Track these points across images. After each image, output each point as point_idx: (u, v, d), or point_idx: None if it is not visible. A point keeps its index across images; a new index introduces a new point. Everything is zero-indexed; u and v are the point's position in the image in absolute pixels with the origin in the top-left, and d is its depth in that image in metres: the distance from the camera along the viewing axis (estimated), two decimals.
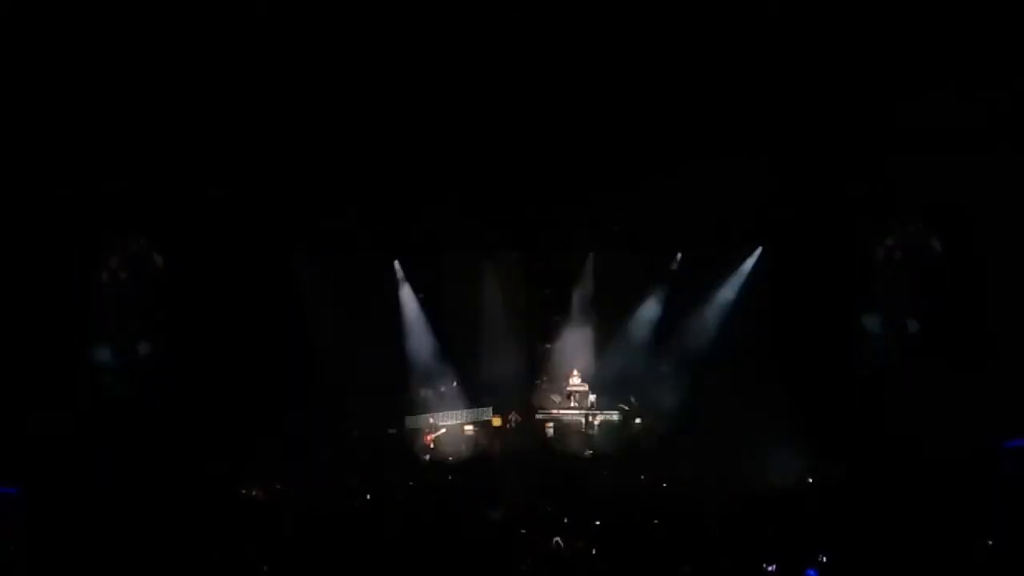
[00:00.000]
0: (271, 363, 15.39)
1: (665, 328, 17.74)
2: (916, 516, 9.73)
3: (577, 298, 18.82)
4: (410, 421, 17.57)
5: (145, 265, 14.30)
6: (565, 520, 10.18)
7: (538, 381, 18.29)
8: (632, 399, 17.72)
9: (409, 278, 18.59)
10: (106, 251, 13.82)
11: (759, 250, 16.90)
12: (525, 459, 14.48)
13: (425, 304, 18.69)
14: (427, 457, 16.35)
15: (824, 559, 8.79)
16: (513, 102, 13.62)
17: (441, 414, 17.56)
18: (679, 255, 17.52)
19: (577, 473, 13.82)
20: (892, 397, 14.32)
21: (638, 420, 17.50)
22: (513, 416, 17.16)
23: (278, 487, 12.28)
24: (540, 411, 17.83)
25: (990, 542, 9.02)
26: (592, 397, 17.89)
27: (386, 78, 13.28)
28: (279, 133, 13.81)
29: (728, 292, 17.13)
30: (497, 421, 17.39)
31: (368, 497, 11.49)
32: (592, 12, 12.23)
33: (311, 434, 15.79)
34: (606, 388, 18.00)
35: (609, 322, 18.54)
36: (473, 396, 18.21)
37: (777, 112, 13.49)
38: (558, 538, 9.53)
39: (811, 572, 8.77)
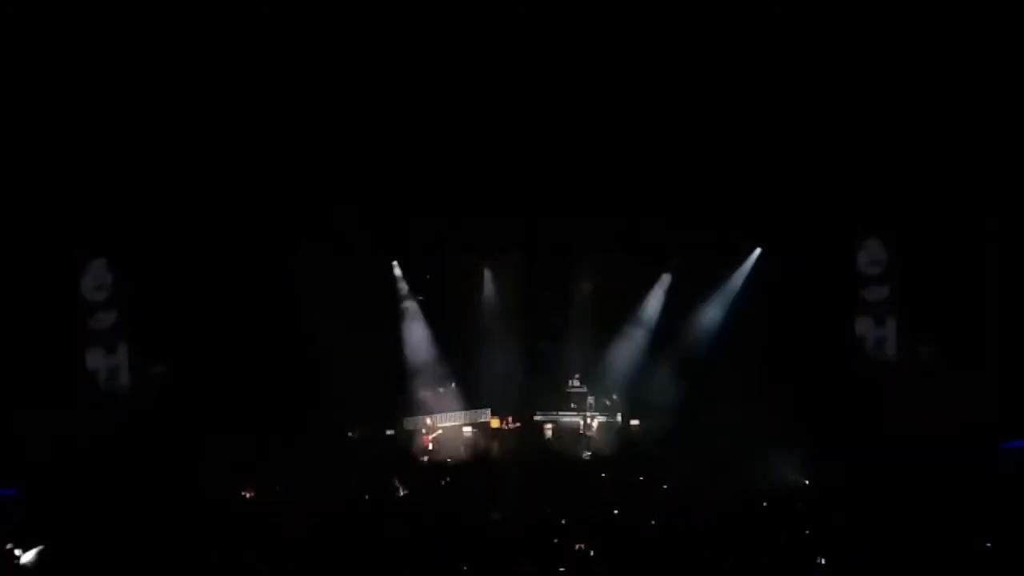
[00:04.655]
0: (270, 363, 15.37)
1: (665, 329, 17.76)
2: (916, 516, 9.72)
3: (577, 299, 18.81)
4: (408, 422, 17.63)
5: (142, 265, 14.27)
6: (564, 521, 10.15)
7: (537, 383, 18.27)
8: (614, 397, 17.72)
9: (409, 279, 18.60)
10: (104, 251, 13.80)
11: (758, 251, 16.90)
12: (523, 461, 14.40)
13: (425, 305, 18.71)
14: (425, 458, 16.31)
15: (823, 560, 8.79)
16: (513, 102, 13.64)
17: (439, 415, 17.55)
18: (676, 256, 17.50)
19: (576, 474, 13.79)
20: (892, 397, 14.31)
21: (635, 422, 17.53)
22: (510, 419, 17.11)
23: (277, 488, 12.24)
24: (539, 413, 17.82)
25: (989, 543, 9.01)
26: (591, 399, 17.88)
27: (386, 79, 13.30)
28: (278, 133, 13.81)
29: (728, 292, 17.12)
30: (495, 422, 17.37)
31: (367, 498, 11.46)
32: (592, 11, 12.25)
33: (310, 435, 15.81)
34: (605, 390, 18.01)
35: (608, 323, 18.56)
36: (472, 397, 18.24)
37: (777, 112, 13.49)
38: (557, 539, 9.54)
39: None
